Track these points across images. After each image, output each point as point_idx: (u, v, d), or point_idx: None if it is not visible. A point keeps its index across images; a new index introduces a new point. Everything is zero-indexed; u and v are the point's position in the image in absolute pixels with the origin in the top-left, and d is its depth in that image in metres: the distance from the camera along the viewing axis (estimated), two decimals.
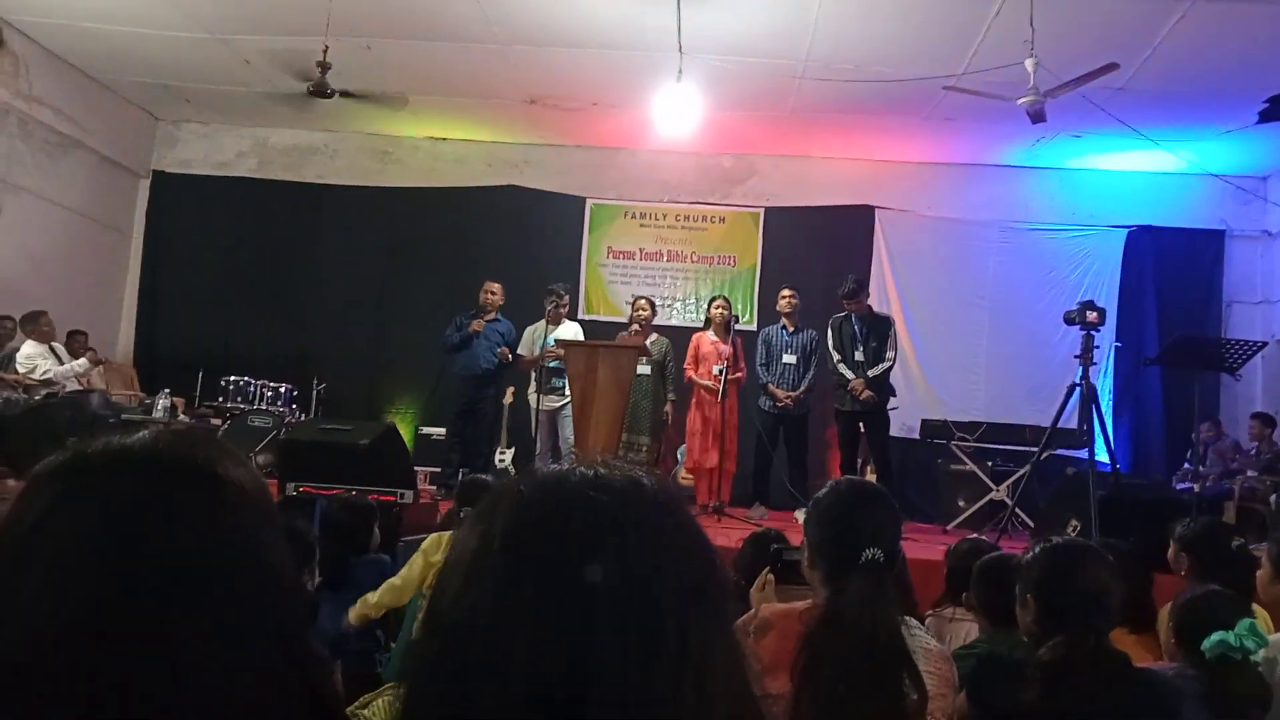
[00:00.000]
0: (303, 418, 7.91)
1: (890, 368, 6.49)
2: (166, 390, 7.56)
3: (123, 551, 0.66)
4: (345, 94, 7.40)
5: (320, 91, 6.80)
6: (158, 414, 7.18)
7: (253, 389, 7.91)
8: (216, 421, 7.64)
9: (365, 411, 8.54)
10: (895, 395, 6.73)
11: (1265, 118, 7.38)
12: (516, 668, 0.59)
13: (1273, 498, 6.34)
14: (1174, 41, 6.22)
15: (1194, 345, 6.21)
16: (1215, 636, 2.09)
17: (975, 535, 3.89)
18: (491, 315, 7.01)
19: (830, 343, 6.57)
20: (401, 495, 4.51)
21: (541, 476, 0.69)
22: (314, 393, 8.37)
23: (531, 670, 0.59)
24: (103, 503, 0.68)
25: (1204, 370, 6.09)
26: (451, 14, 6.60)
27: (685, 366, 6.78)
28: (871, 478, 6.40)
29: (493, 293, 7.08)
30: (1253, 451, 7.58)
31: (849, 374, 6.43)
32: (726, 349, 6.54)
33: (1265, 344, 6.10)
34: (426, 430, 8.09)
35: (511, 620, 0.60)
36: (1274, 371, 8.46)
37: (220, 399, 7.85)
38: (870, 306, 6.69)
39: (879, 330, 6.51)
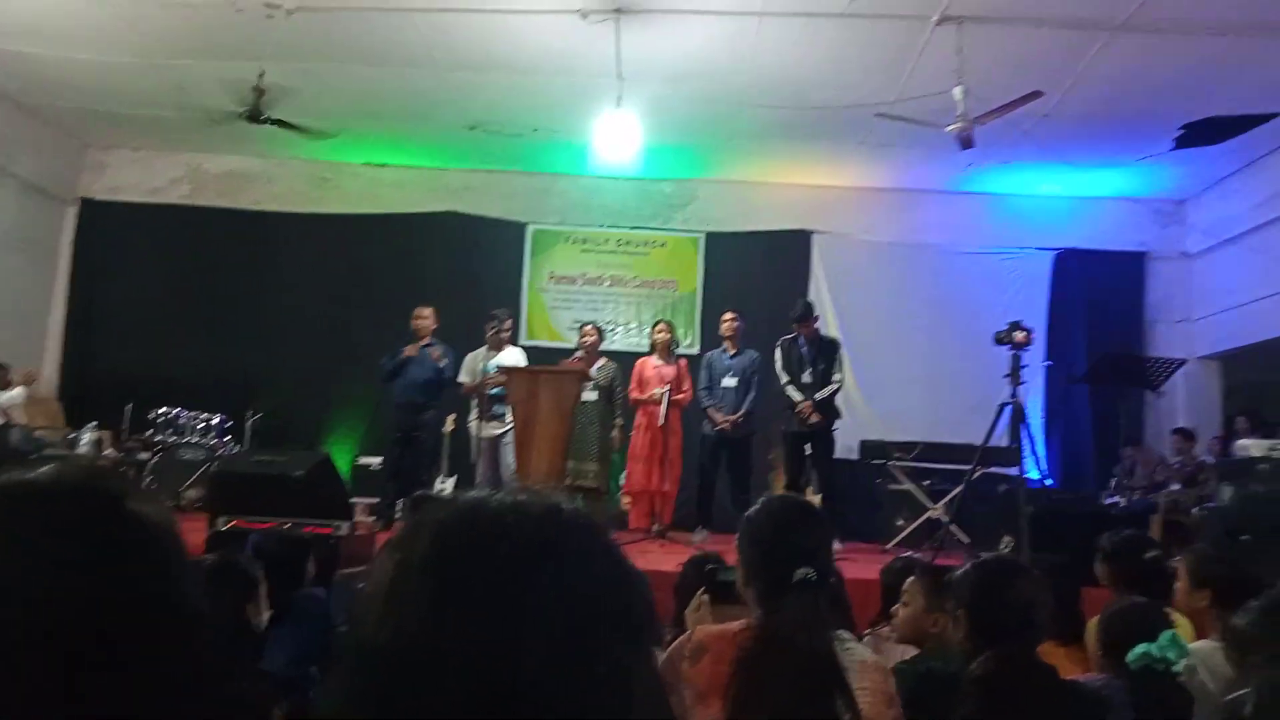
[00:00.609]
0: (236, 449, 7.72)
1: (837, 390, 6.57)
2: (93, 423, 7.33)
3: (26, 587, 0.64)
4: (278, 123, 7.28)
5: (254, 117, 6.70)
6: (82, 448, 6.96)
7: (184, 421, 7.71)
8: (145, 455, 7.43)
9: (301, 442, 8.36)
10: (841, 417, 6.82)
11: (1181, 144, 7.70)
12: (443, 694, 0.58)
13: (1194, 510, 6.54)
14: (1094, 71, 6.46)
15: (1118, 363, 6.41)
16: (1139, 649, 2.15)
17: (909, 553, 3.94)
18: (425, 340, 6.93)
19: (778, 364, 6.63)
20: (337, 527, 4.42)
21: (461, 503, 0.68)
22: (248, 424, 8.18)
23: (459, 696, 0.58)
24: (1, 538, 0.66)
25: (1129, 387, 6.30)
26: (391, 40, 6.58)
27: (630, 391, 6.79)
28: (814, 499, 6.46)
29: (423, 317, 6.98)
30: (1176, 465, 7.83)
31: (797, 396, 6.49)
32: (669, 372, 6.57)
33: (1185, 361, 6.34)
34: (365, 460, 7.96)
35: (436, 646, 0.60)
36: (1194, 388, 8.78)
37: (149, 431, 7.63)
38: (818, 330, 6.77)
39: (827, 353, 6.59)
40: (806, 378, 6.51)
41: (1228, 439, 7.88)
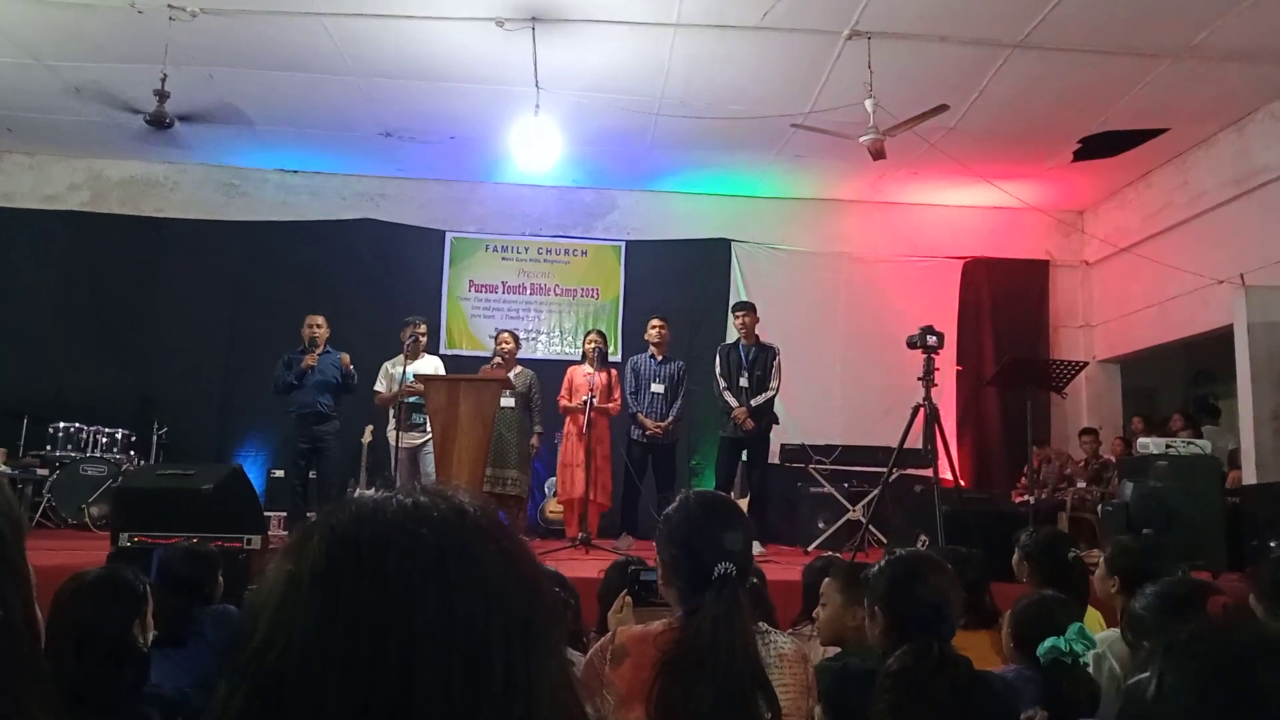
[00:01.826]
0: (142, 464, 7.42)
1: (773, 396, 6.64)
2: None
3: None
4: (186, 119, 7.04)
5: (158, 121, 6.47)
6: None
7: (85, 436, 7.37)
8: (43, 472, 7.09)
9: (213, 455, 8.08)
10: (778, 423, 6.88)
11: (1079, 156, 8.05)
12: (331, 710, 0.56)
13: (1099, 507, 6.82)
14: (998, 85, 6.71)
15: (1024, 366, 6.64)
16: (1048, 642, 2.22)
17: (830, 553, 4.01)
18: (322, 349, 6.78)
19: (717, 370, 6.68)
20: (248, 541, 4.28)
21: (355, 509, 0.64)
22: (155, 438, 7.88)
23: (347, 712, 0.56)
24: None
25: (1035, 389, 6.52)
26: (302, 44, 6.43)
27: (560, 398, 6.77)
28: (740, 503, 6.52)
29: (317, 325, 6.82)
30: (1082, 464, 8.16)
31: (733, 401, 6.54)
32: (599, 379, 6.57)
33: (1086, 364, 6.60)
34: (279, 473, 7.73)
35: (324, 664, 0.57)
36: (1096, 390, 9.18)
37: (49, 447, 7.28)
38: (758, 335, 6.82)
39: (764, 359, 6.66)
40: (743, 382, 6.56)
41: (1128, 439, 8.25)
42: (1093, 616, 3.05)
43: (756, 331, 6.79)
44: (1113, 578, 2.94)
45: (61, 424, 7.37)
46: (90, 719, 2.10)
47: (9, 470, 7.08)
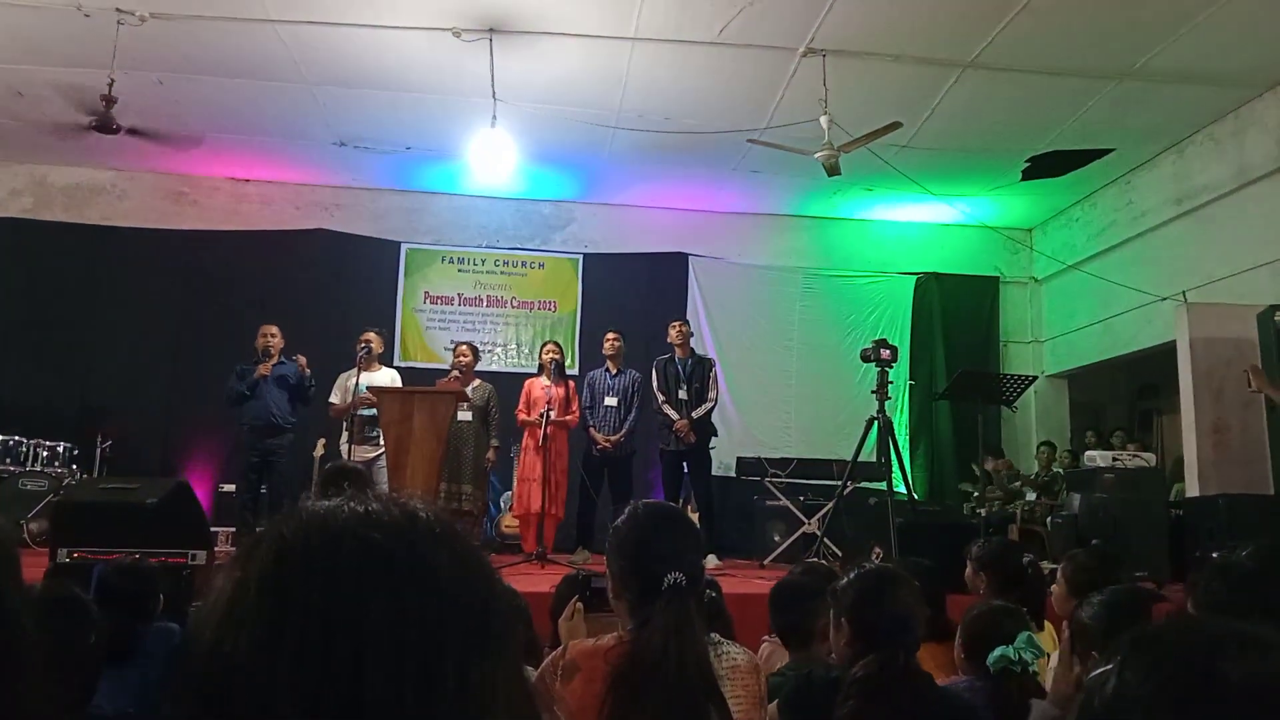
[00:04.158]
0: (84, 478, 7.21)
1: (712, 408, 6.68)
2: None
3: None
4: (134, 131, 6.90)
5: (105, 127, 6.33)
6: None
7: (25, 449, 7.14)
8: None
9: (158, 469, 7.88)
10: (717, 435, 6.91)
11: (1027, 175, 8.23)
12: (282, 717, 0.55)
13: (1048, 519, 6.94)
14: (949, 104, 6.84)
15: (974, 380, 6.75)
16: (997, 651, 2.24)
17: (813, 560, 4.01)
18: (275, 359, 6.67)
19: (655, 384, 6.69)
20: (193, 556, 4.17)
21: (306, 516, 0.64)
22: (98, 451, 7.66)
23: (299, 718, 0.55)
24: None
25: (986, 403, 6.63)
26: (255, 51, 6.35)
27: (518, 412, 6.72)
28: (693, 517, 6.52)
29: (271, 335, 6.70)
30: (1032, 476, 8.29)
31: (673, 414, 6.56)
32: (557, 392, 6.53)
33: (1035, 378, 6.74)
34: (227, 487, 7.57)
35: (273, 671, 0.56)
36: (1045, 404, 9.36)
37: None
38: (693, 349, 6.87)
39: (700, 372, 6.69)
40: (682, 395, 6.59)
41: (1076, 451, 8.42)
42: (1048, 633, 3.07)
43: (691, 344, 6.83)
44: (1075, 596, 2.96)
45: (0, 436, 7.14)
46: None
47: None
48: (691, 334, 6.91)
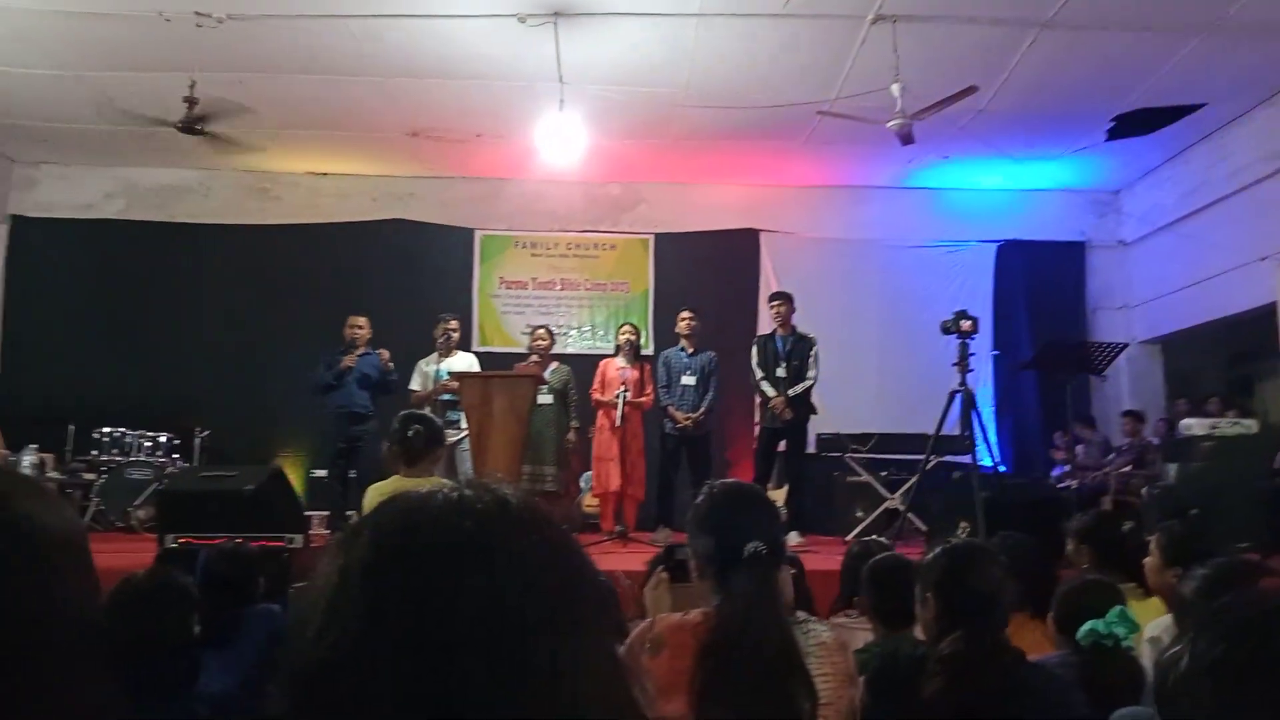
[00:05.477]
0: (185, 467, 7.54)
1: (811, 386, 6.56)
2: (33, 446, 7.10)
3: None
4: (213, 135, 7.13)
5: (190, 128, 6.56)
6: (23, 470, 6.74)
7: (130, 440, 7.51)
8: (90, 476, 7.23)
9: (252, 457, 8.12)
10: (816, 413, 6.82)
11: (1113, 135, 7.90)
12: (384, 702, 0.58)
13: (1144, 490, 6.71)
14: (1027, 66, 6.60)
15: (1062, 349, 6.55)
16: (1087, 625, 2.19)
17: (869, 538, 3.96)
18: (362, 350, 6.83)
19: (754, 360, 6.64)
20: (290, 540, 4.33)
21: (401, 504, 0.67)
22: (196, 441, 8.00)
23: (400, 703, 0.58)
24: None
25: (1074, 373, 6.43)
26: (326, 48, 6.49)
27: (592, 392, 6.77)
28: (779, 494, 6.50)
29: (358, 327, 6.85)
30: (1124, 446, 8.02)
31: (770, 391, 6.50)
32: (632, 374, 6.56)
33: (1126, 345, 6.51)
34: (319, 473, 7.82)
35: (376, 654, 0.59)
36: (1137, 371, 9.02)
37: (95, 452, 7.42)
38: (794, 326, 6.74)
39: (801, 349, 6.58)
40: (780, 373, 6.52)
41: (1171, 420, 8.11)
42: (1154, 605, 2.98)
43: (793, 322, 6.73)
44: (1172, 568, 2.87)
45: (106, 429, 7.51)
46: (141, 718, 2.14)
47: (58, 475, 7.24)
48: (794, 310, 6.76)
